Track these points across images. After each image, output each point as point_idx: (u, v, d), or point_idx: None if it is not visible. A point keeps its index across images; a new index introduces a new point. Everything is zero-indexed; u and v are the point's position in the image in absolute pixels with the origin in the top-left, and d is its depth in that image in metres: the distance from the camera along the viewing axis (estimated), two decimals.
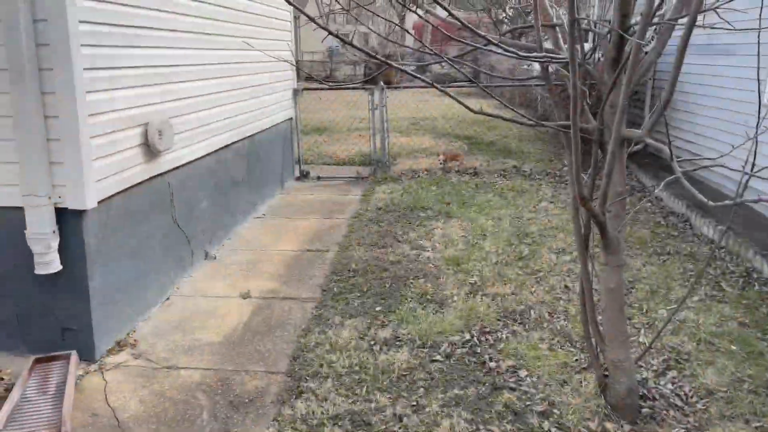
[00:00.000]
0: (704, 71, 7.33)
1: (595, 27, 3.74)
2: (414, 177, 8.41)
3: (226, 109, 5.89)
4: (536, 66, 21.56)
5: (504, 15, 29.42)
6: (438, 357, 3.75)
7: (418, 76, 2.96)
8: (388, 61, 2.90)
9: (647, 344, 3.87)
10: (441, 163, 9.02)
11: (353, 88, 8.89)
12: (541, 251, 5.45)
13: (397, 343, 3.92)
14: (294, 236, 6.12)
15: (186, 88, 4.95)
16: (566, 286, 4.74)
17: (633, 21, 3.03)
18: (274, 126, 7.66)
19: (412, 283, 4.84)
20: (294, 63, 8.32)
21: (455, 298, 4.55)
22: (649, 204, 6.99)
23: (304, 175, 8.77)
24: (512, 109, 3.41)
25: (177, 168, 4.87)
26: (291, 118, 8.55)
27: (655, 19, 2.94)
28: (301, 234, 6.20)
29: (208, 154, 5.52)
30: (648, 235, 5.90)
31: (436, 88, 2.94)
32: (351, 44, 2.69)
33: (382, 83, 8.74)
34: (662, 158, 7.65)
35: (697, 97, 7.55)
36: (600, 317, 3.40)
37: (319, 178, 8.75)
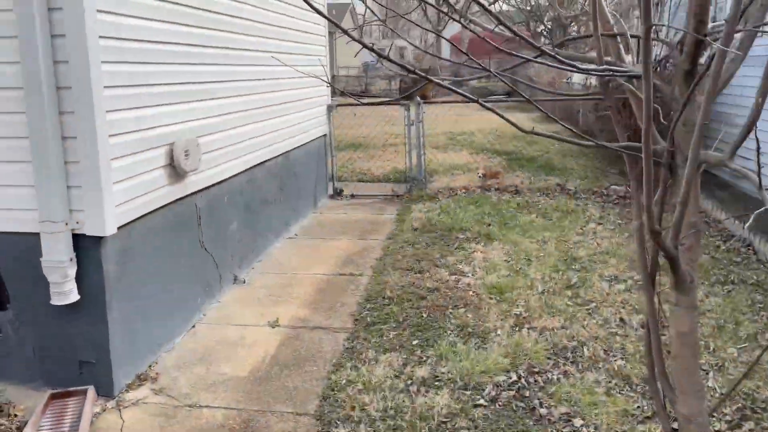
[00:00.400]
0: None
1: (666, 36, 3.37)
2: (451, 195, 8.07)
3: (257, 127, 5.68)
4: (575, 79, 21.06)
5: (543, 28, 28.92)
6: (482, 401, 3.40)
7: (457, 90, 2.66)
8: (426, 75, 2.64)
9: (721, 392, 3.44)
10: (480, 180, 8.66)
11: (387, 103, 8.63)
12: (592, 279, 5.04)
13: (437, 383, 3.57)
14: (326, 258, 5.85)
15: (215, 105, 4.74)
16: (621, 320, 4.33)
17: (709, 27, 2.67)
18: (308, 143, 7.44)
19: (451, 313, 4.49)
20: (327, 79, 8.11)
21: (499, 331, 4.18)
22: (707, 224, 6.49)
23: (337, 193, 8.53)
24: (566, 126, 3.07)
25: (205, 189, 4.66)
26: (325, 135, 8.32)
27: (740, 26, 2.56)
28: (334, 256, 5.92)
29: (238, 174, 5.30)
30: (708, 261, 5.42)
31: (479, 103, 2.63)
32: (386, 57, 2.42)
33: (418, 98, 8.45)
34: (714, 174, 7.15)
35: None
36: (668, 362, 3.00)
37: (353, 196, 8.49)
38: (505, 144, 12.76)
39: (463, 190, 8.24)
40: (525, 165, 10.13)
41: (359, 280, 5.27)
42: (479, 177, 8.70)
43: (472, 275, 5.23)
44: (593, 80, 11.40)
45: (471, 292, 4.86)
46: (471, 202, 7.57)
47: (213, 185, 4.79)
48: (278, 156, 6.37)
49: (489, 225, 6.62)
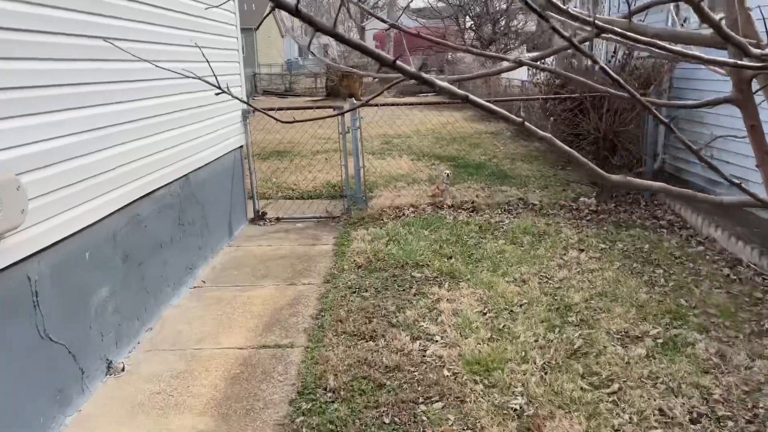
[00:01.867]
0: None
1: None
2: (398, 216, 6.72)
3: (138, 147, 4.11)
4: (516, 76, 20.23)
5: (471, 23, 28.14)
6: None
7: (427, 77, 1.34)
8: (354, 71, 1.67)
9: None
10: (430, 197, 7.38)
11: (319, 109, 7.12)
12: (599, 338, 3.81)
13: None
14: (243, 319, 4.35)
15: (60, 121, 3.16)
16: (661, 411, 3.10)
17: None
18: (218, 159, 5.88)
19: (424, 412, 3.13)
20: (241, 79, 6.57)
21: None
22: (702, 249, 5.45)
23: (259, 217, 7.00)
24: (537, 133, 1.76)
25: (47, 248, 3.07)
26: (241, 146, 6.78)
27: None
28: (254, 314, 4.43)
29: (110, 215, 3.73)
30: (728, 301, 4.33)
31: (469, 101, 1.36)
32: (355, 44, 1.14)
33: (352, 98, 7.03)
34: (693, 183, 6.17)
35: None
36: None
37: (278, 219, 6.98)
38: (445, 147, 11.58)
39: (411, 210, 6.91)
40: (474, 173, 8.93)
41: (289, 356, 3.82)
42: (429, 197, 7.43)
43: (442, 339, 3.89)
44: (540, 76, 10.38)
45: (446, 372, 3.51)
46: (423, 225, 6.24)
47: (62, 240, 3.21)
48: (175, 181, 4.80)
49: (451, 258, 5.31)
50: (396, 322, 4.15)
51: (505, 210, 6.77)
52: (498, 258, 5.26)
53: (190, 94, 5.02)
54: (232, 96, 1.26)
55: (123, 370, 3.68)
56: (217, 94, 1.50)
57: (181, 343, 4.04)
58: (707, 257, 5.21)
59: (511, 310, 4.25)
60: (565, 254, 5.34)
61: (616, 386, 3.30)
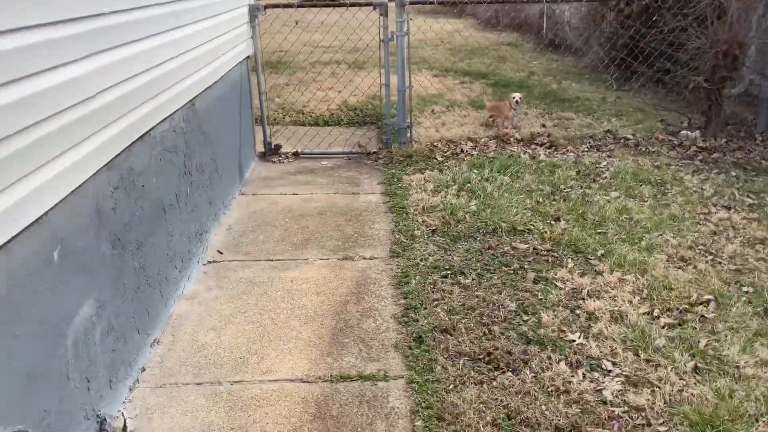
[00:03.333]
0: None
1: None
2: (455, 154, 5.22)
3: (126, 59, 2.48)
4: None
5: None
6: None
7: None
8: None
9: None
10: (485, 126, 5.88)
11: (352, 5, 5.30)
12: None
13: None
14: (296, 322, 2.93)
15: None
16: None
17: None
18: (225, 75, 4.23)
19: None
20: None
21: None
22: None
23: (273, 151, 5.41)
24: None
25: None
26: (248, 57, 5.08)
27: None
28: (310, 313, 3.00)
29: (87, 180, 2.17)
30: None
31: None
32: None
33: None
34: None
35: None
36: None
37: (297, 155, 5.41)
38: (468, 61, 9.89)
39: (471, 145, 5.39)
40: (519, 92, 7.37)
41: (386, 397, 2.43)
42: (483, 124, 5.92)
43: (617, 367, 2.55)
44: None
45: None
46: (498, 168, 4.76)
47: (10, 241, 1.68)
48: (178, 111, 3.19)
49: (558, 219, 3.91)
50: (532, 334, 2.77)
51: (592, 147, 5.32)
52: (625, 220, 3.87)
53: None
54: None
55: (125, 430, 2.26)
56: None
57: (209, 369, 2.60)
58: None
59: (695, 311, 2.91)
60: (708, 214, 3.99)
61: None
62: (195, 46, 3.44)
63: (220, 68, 4.03)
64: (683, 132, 5.47)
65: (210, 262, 3.53)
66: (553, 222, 3.87)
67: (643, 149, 5.22)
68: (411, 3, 4.96)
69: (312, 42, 9.77)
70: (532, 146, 5.33)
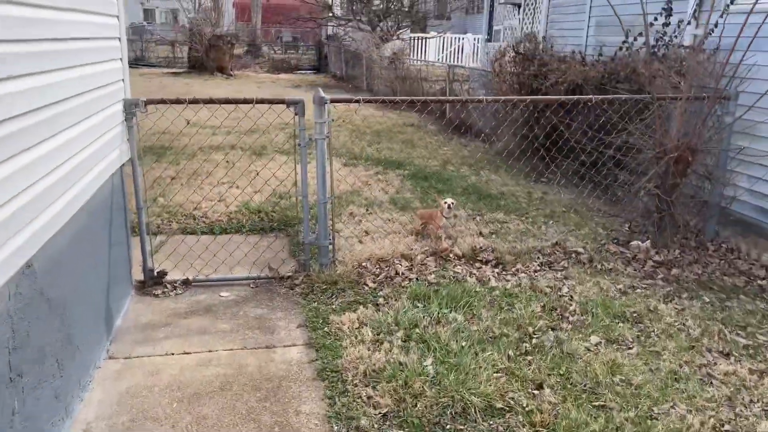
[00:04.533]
0: None
1: None
2: (389, 277, 4.29)
3: None
4: (386, 53, 18.19)
5: None
6: None
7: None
8: None
9: None
10: (416, 236, 5.04)
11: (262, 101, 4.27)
12: None
13: None
14: None
15: None
16: None
17: None
18: (86, 204, 3.05)
19: None
20: (119, 42, 3.71)
21: None
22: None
23: (156, 279, 4.19)
24: None
25: None
26: (122, 164, 3.91)
27: None
28: None
29: None
30: None
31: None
32: None
33: (320, 92, 4.41)
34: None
35: None
36: None
37: (187, 283, 4.23)
38: (375, 146, 9.20)
39: (406, 266, 4.48)
40: (442, 189, 6.69)
41: None
42: (414, 233, 5.09)
43: None
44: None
45: None
46: (447, 302, 3.86)
47: None
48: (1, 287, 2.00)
49: (541, 387, 3.03)
50: None
51: (543, 264, 4.60)
52: (622, 385, 3.07)
53: (44, 76, 2.22)
54: None
55: None
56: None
57: None
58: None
59: None
60: (708, 365, 3.30)
61: None
62: (31, 183, 2.29)
63: (79, 197, 2.87)
64: (634, 243, 4.94)
65: None
66: (535, 391, 3.00)
67: (599, 266, 4.58)
68: (332, 102, 4.08)
69: (199, 121, 8.65)
70: (477, 264, 4.53)
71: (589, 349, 3.40)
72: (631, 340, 3.52)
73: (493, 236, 5.19)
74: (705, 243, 5.02)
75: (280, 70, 27.64)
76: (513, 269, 4.47)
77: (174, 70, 24.43)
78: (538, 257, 4.68)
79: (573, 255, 4.75)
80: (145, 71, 23.92)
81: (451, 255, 4.61)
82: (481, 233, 5.19)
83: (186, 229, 5.36)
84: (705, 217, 5.11)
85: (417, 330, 3.51)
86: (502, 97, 4.47)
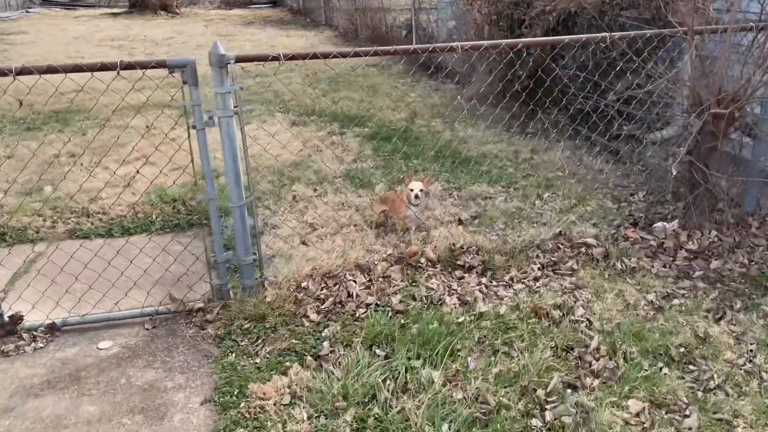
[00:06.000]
0: None
1: None
2: (341, 304, 3.10)
3: None
4: None
5: None
6: None
7: None
8: None
9: None
10: (377, 229, 3.83)
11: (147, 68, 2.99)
12: None
13: None
14: None
15: None
16: None
17: None
18: None
19: None
20: None
21: None
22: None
23: (7, 328, 2.94)
24: None
25: None
26: None
27: None
28: None
29: None
30: None
31: None
32: None
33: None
34: None
35: None
36: None
37: (53, 329, 3.00)
38: (331, 93, 7.82)
39: (363, 283, 3.27)
40: (408, 151, 5.43)
41: None
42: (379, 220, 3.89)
43: None
44: None
45: None
46: (418, 347, 2.70)
47: None
48: None
49: None
50: None
51: (545, 267, 3.44)
52: None
53: None
54: None
55: None
56: None
57: None
58: None
59: None
60: None
61: None
62: None
63: None
64: (658, 225, 3.80)
65: None
66: None
67: (618, 265, 3.44)
68: (239, 61, 2.74)
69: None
70: (457, 272, 3.35)
71: (628, 423, 2.30)
72: (686, 401, 2.42)
73: (477, 222, 4.02)
74: (745, 218, 3.91)
75: (232, 5, 25.38)
76: (506, 277, 3.31)
77: (114, 10, 22.09)
78: (538, 256, 3.52)
79: (582, 249, 3.60)
80: (82, 12, 21.64)
81: (422, 260, 3.43)
82: (460, 221, 4.00)
83: (75, 232, 4.08)
84: (744, 185, 3.98)
85: (374, 408, 2.36)
86: (485, 42, 3.16)
